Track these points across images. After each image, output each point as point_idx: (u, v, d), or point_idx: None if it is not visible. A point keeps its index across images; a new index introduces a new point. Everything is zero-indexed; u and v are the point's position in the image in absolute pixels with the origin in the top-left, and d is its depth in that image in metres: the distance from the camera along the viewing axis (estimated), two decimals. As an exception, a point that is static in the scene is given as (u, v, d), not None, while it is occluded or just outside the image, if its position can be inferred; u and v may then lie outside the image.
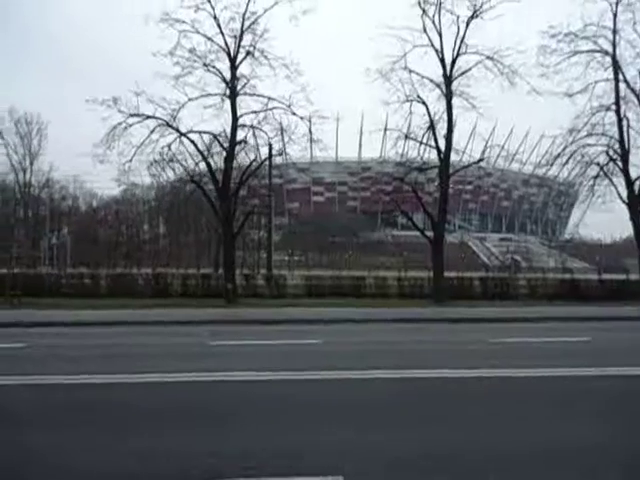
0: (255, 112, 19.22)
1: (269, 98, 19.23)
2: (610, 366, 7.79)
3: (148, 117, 18.35)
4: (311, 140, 20.59)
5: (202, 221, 38.51)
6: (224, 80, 19.02)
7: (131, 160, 18.56)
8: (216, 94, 19.06)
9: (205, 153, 19.45)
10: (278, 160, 25.46)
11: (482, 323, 14.04)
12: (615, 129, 20.77)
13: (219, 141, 19.33)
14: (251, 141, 19.70)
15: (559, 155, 21.87)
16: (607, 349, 9.83)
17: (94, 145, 18.36)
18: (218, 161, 21.11)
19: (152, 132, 18.42)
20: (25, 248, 38.12)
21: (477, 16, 19.71)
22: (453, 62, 20.18)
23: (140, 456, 3.95)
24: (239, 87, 19.08)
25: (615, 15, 20.39)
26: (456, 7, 19.84)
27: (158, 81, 18.66)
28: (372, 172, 59.37)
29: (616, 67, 20.68)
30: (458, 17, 19.92)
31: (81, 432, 4.55)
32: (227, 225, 19.01)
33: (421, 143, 20.98)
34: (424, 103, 20.33)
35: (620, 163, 20.82)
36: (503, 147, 37.79)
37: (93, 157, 18.62)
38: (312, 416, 5.16)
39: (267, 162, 21.57)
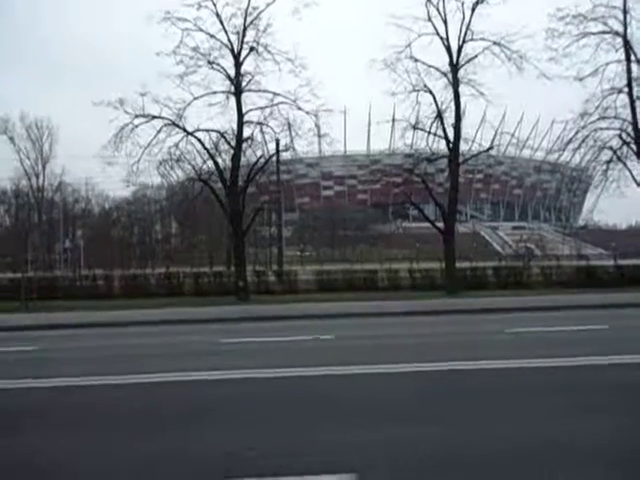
0: (261, 108, 19.17)
1: (274, 93, 19.16)
2: (629, 354, 7.67)
3: (154, 117, 18.39)
4: (319, 135, 20.49)
5: (213, 219, 38.68)
6: (228, 77, 18.95)
7: (139, 161, 18.65)
8: (221, 92, 19.04)
9: (212, 151, 19.45)
10: (286, 156, 25.40)
11: (496, 313, 13.86)
12: (628, 111, 20.26)
13: (226, 139, 19.31)
14: (258, 137, 19.68)
15: (571, 140, 21.43)
16: (625, 337, 9.59)
17: (102, 147, 18.49)
18: (226, 159, 21.13)
19: (159, 132, 18.48)
20: (40, 252, 38.69)
21: (482, 1, 19.36)
22: (459, 49, 19.86)
23: (153, 457, 3.94)
24: (244, 84, 19.02)
25: (625, -6, 19.88)
26: (461, -7, 19.51)
27: (164, 81, 18.70)
28: (381, 164, 59.09)
29: (627, 48, 20.15)
30: (463, 3, 19.61)
31: (95, 433, 4.56)
32: (236, 222, 19.01)
33: (429, 133, 20.72)
34: (431, 92, 20.07)
35: (634, 146, 20.32)
36: (513, 134, 37.43)
37: (102, 159, 18.74)
38: (325, 413, 5.11)
39: (274, 158, 21.50)
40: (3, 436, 4.57)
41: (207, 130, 19.17)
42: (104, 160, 18.82)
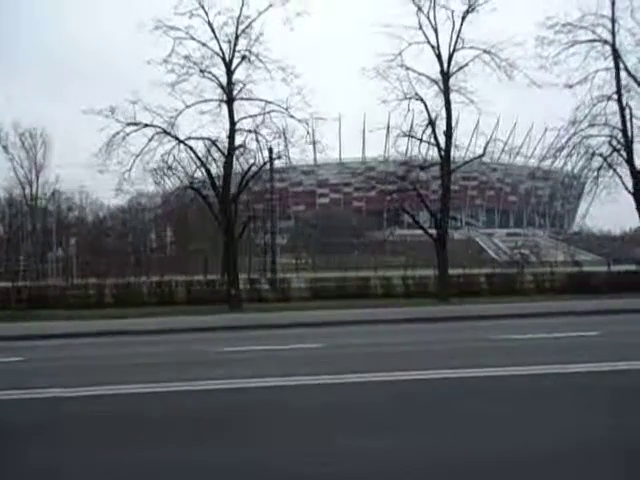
0: (252, 116, 19.21)
1: (266, 102, 19.20)
2: (620, 360, 7.61)
3: (146, 125, 18.38)
4: (314, 143, 20.57)
5: (209, 227, 38.62)
6: (220, 85, 19.00)
7: (131, 169, 18.61)
8: (213, 100, 19.07)
9: (204, 159, 19.45)
10: (280, 164, 25.44)
11: (487, 320, 13.85)
12: (617, 119, 20.46)
13: (217, 147, 19.32)
14: (251, 145, 19.71)
15: (562, 147, 21.61)
16: (616, 343, 9.58)
17: (92, 155, 18.46)
18: (219, 167, 21.14)
19: (150, 140, 18.46)
20: (33, 261, 38.50)
21: (472, 10, 19.55)
22: (450, 58, 20.02)
23: (143, 470, 3.89)
24: (236, 92, 19.06)
25: (613, 3, 20.13)
26: (451, 2, 19.73)
27: (156, 89, 18.73)
28: (376, 172, 59.27)
29: (616, 56, 20.38)
30: (453, 12, 19.80)
31: (87, 445, 4.49)
32: (228, 231, 18.98)
33: (421, 141, 20.83)
34: (422, 100, 20.20)
35: (624, 153, 20.49)
36: (507, 142, 37.68)
37: (93, 167, 18.71)
38: (310, 423, 5.08)
39: (267, 166, 21.52)
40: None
41: (199, 138, 19.21)
42: (96, 168, 18.78)
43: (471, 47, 19.77)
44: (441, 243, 20.34)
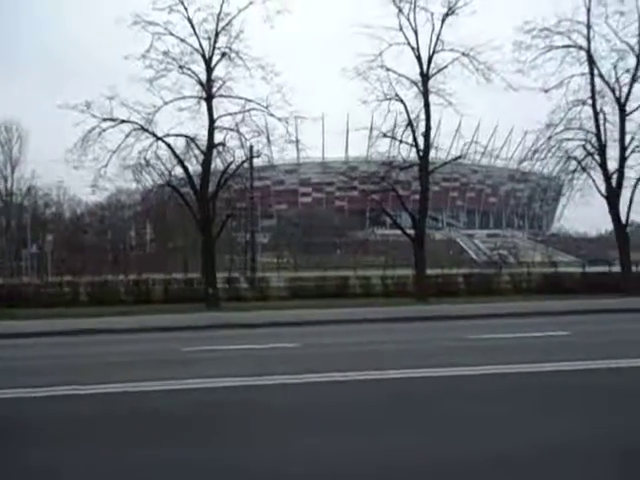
0: (232, 114, 19.10)
1: (246, 100, 19.11)
2: (588, 360, 7.78)
3: (123, 121, 18.14)
4: (296, 142, 20.55)
5: (189, 225, 38.21)
6: (200, 82, 18.85)
7: (107, 165, 18.35)
8: (192, 97, 18.91)
9: (182, 157, 19.24)
10: (261, 162, 25.29)
11: (463, 320, 14.02)
12: (592, 123, 20.92)
13: (196, 144, 19.16)
14: (230, 143, 19.59)
15: (538, 150, 22.02)
16: (585, 343, 9.80)
17: (67, 151, 18.14)
18: (197, 165, 20.94)
19: (127, 136, 18.22)
20: (7, 258, 37.57)
21: (452, 13, 19.74)
22: (429, 59, 20.19)
23: (110, 469, 3.83)
24: (215, 89, 18.93)
25: (589, 10, 20.55)
26: (431, 4, 19.89)
27: (134, 85, 18.49)
28: (359, 171, 59.50)
29: (591, 62, 20.81)
30: (433, 14, 19.97)
31: (52, 445, 4.41)
32: (206, 229, 18.84)
33: (400, 142, 20.98)
34: (402, 101, 20.35)
35: (598, 157, 20.95)
36: (488, 144, 38.22)
37: (68, 163, 18.39)
38: (281, 423, 5.05)
39: (246, 164, 21.43)
40: None
41: (177, 135, 19.01)
42: (72, 164, 18.45)
43: (450, 49, 20.00)
44: (419, 243, 20.52)
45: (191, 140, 18.99)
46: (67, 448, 4.34)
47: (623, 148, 20.60)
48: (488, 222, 73.93)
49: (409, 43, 20.25)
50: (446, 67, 19.98)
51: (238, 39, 18.62)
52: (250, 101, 18.98)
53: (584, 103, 20.95)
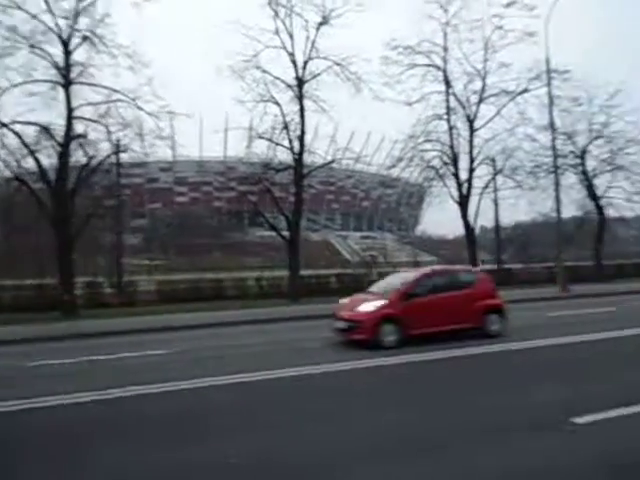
0: (94, 104, 17.55)
1: (111, 89, 17.69)
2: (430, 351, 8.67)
3: (-43, 104, 15.65)
4: (171, 138, 19.53)
5: (44, 225, 34.14)
6: (55, 66, 16.99)
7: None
8: (46, 81, 16.97)
9: (34, 147, 17.13)
10: (131, 158, 23.59)
11: (322, 320, 14.49)
12: (447, 136, 23.23)
13: (51, 134, 17.21)
14: (93, 136, 17.97)
15: (402, 159, 23.82)
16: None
17: None
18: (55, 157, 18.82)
19: (-37, 121, 15.74)
20: None
21: (326, 23, 20.42)
22: (305, 65, 20.67)
23: None
24: (74, 75, 17.23)
25: (445, 34, 22.75)
26: (306, 12, 20.38)
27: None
28: (237, 172, 58.78)
29: (446, 81, 23.10)
30: (308, 22, 20.48)
31: None
32: (61, 229, 17.02)
33: (276, 144, 21.15)
34: (278, 104, 20.55)
35: (452, 167, 23.33)
36: (361, 151, 40.17)
37: None
38: (129, 435, 4.81)
39: (112, 159, 19.86)
40: None
41: (27, 123, 16.91)
42: None
43: (324, 58, 20.66)
44: (293, 245, 20.88)
45: (44, 129, 17.01)
46: None
47: (472, 160, 23.20)
48: (361, 224, 78.06)
49: (285, 47, 20.55)
50: (320, 74, 20.63)
51: (103, 23, 17.19)
52: (116, 91, 17.63)
53: (440, 118, 23.18)
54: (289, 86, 20.61)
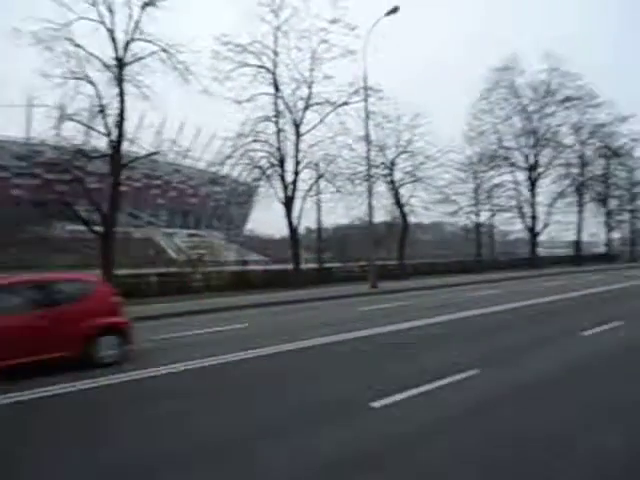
0: None
1: None
2: (257, 348, 8.76)
3: None
4: None
5: None
6: None
7: None
8: None
9: None
10: None
11: (152, 320, 13.59)
12: (275, 138, 23.76)
13: None
14: None
15: (231, 156, 23.63)
16: (258, 334, 10.89)
17: None
18: None
19: None
20: None
21: (152, 4, 19.04)
22: (126, 45, 18.95)
23: None
24: None
25: (276, 39, 23.21)
26: (129, -12, 18.70)
27: None
28: (44, 157, 51.37)
29: (276, 85, 23.62)
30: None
31: None
32: None
33: (90, 128, 18.99)
34: (93, 84, 18.46)
35: (279, 169, 23.96)
36: (190, 145, 38.75)
37: None
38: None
39: None
40: None
41: None
42: None
43: (150, 41, 19.22)
44: (108, 241, 18.99)
45: None
46: None
47: (297, 163, 24.15)
48: (189, 222, 75.47)
49: (103, 22, 18.56)
50: (144, 58, 19.10)
51: None
52: None
53: (269, 120, 23.62)
54: (107, 66, 18.69)
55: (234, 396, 6.13)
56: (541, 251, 45.45)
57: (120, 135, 18.74)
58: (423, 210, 31.45)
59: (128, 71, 18.95)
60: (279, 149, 23.69)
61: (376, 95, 24.01)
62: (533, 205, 40.91)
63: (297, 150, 24.04)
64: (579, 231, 45.77)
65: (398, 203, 30.48)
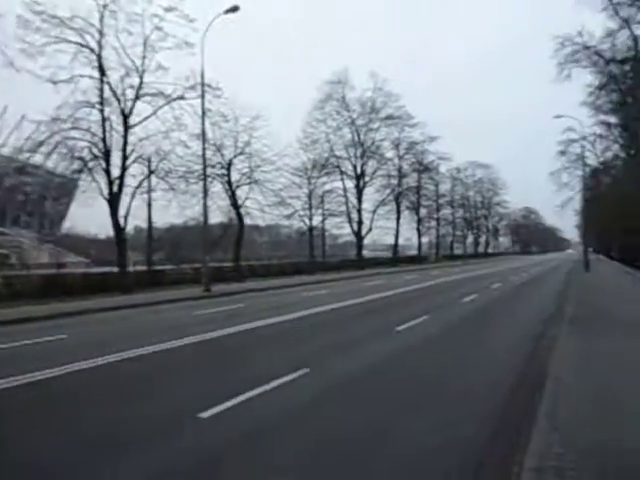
0: None
1: None
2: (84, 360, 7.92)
3: None
4: None
5: None
6: None
7: None
8: None
9: None
10: None
11: None
12: (99, 127, 21.40)
13: None
14: None
15: (43, 143, 20.57)
16: (81, 344, 9.86)
17: None
18: None
19: None
20: None
21: None
22: None
23: None
24: None
25: (102, 18, 20.90)
26: None
27: None
28: None
29: (101, 68, 21.27)
30: None
31: None
32: None
33: None
34: None
35: (103, 162, 21.63)
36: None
37: None
38: None
39: None
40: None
41: None
42: None
43: None
44: None
45: None
46: None
47: (125, 157, 22.12)
48: (-11, 218, 64.05)
49: None
50: None
51: None
52: None
53: (93, 106, 21.18)
54: None
55: (50, 418, 5.29)
56: (366, 253, 50.37)
57: None
58: (259, 212, 31.87)
59: None
60: (104, 140, 21.36)
61: (213, 92, 23.41)
62: (359, 211, 45.31)
63: (125, 142, 22.01)
64: (397, 235, 52.33)
65: (234, 204, 30.31)
